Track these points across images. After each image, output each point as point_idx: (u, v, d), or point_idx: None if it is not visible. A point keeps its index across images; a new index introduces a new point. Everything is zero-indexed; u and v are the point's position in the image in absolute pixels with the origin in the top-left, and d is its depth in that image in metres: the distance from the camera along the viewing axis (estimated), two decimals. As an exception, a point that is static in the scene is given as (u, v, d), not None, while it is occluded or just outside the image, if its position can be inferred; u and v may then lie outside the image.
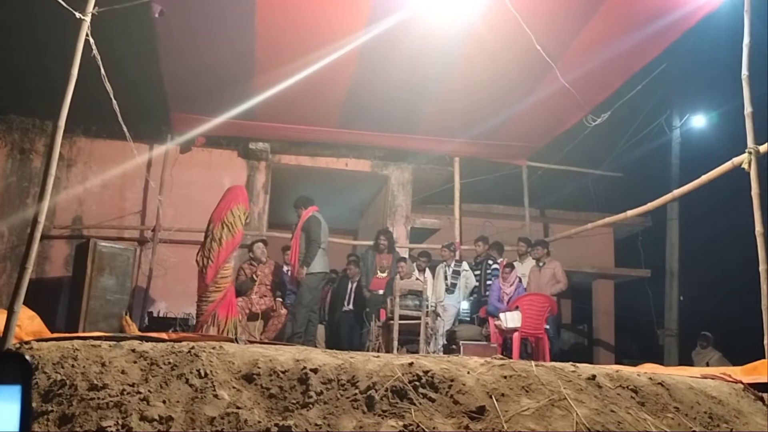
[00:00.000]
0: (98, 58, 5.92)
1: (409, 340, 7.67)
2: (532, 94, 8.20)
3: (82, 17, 4.91)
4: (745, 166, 5.21)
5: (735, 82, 5.52)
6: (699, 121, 13.47)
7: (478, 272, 9.39)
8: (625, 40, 6.92)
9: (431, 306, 8.18)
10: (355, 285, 9.06)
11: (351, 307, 8.93)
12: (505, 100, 8.38)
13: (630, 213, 8.25)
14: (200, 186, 10.05)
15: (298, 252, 7.63)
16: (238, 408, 3.26)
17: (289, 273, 9.11)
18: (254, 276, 7.92)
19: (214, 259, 6.62)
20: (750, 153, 5.18)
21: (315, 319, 7.96)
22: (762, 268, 4.83)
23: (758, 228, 4.95)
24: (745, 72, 5.37)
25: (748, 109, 5.27)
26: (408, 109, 8.84)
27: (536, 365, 3.95)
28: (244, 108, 8.55)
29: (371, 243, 9.73)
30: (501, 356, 4.97)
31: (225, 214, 6.77)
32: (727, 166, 5.63)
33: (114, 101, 7.08)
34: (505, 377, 3.73)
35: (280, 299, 8.20)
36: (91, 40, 5.29)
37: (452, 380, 3.61)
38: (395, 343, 7.25)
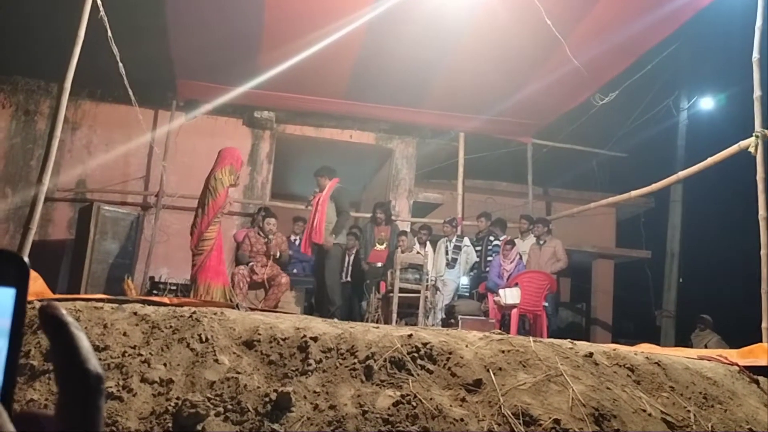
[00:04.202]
0: (105, 20, 5.90)
1: (409, 313, 7.72)
2: (541, 71, 8.16)
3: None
4: (751, 149, 5.19)
5: (746, 64, 5.48)
6: (707, 104, 13.40)
7: (479, 248, 9.42)
8: (636, 19, 6.86)
9: (431, 280, 8.22)
10: (352, 257, 9.08)
11: (348, 279, 8.96)
12: (513, 76, 8.34)
13: (634, 193, 8.25)
14: (204, 153, 9.97)
15: (324, 221, 7.55)
16: (238, 373, 3.30)
17: (297, 242, 9.15)
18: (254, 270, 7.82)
19: (198, 225, 6.58)
20: (757, 137, 5.16)
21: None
22: (763, 252, 4.84)
23: (761, 212, 4.95)
24: (756, 55, 5.34)
25: (757, 92, 5.24)
26: (415, 82, 8.79)
27: (534, 341, 3.98)
28: (250, 77, 8.51)
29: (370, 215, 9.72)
30: (499, 331, 5.00)
31: (210, 180, 6.71)
32: (733, 149, 5.61)
33: (120, 65, 7.06)
34: (503, 352, 3.76)
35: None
36: (99, 2, 5.26)
37: (450, 353, 3.64)
38: (394, 316, 7.29)
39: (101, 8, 5.51)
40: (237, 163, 6.86)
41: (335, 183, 7.77)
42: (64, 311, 0.51)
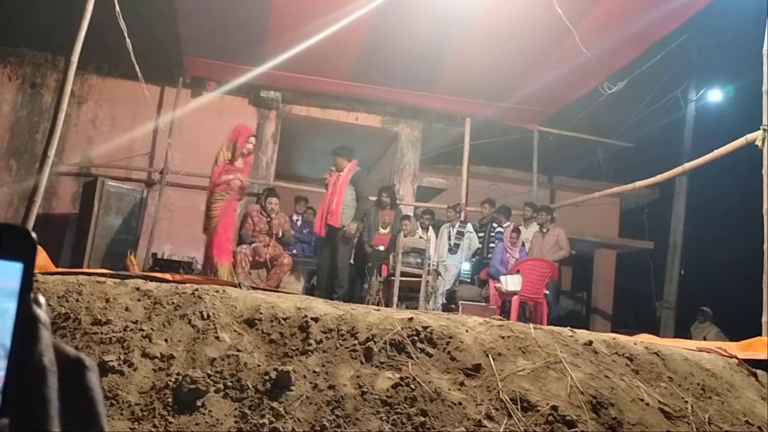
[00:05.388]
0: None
1: (409, 297, 7.74)
2: (550, 58, 8.12)
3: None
4: (758, 143, 5.17)
5: (756, 57, 5.45)
6: (715, 96, 13.31)
7: (482, 234, 9.42)
8: (647, 9, 6.82)
9: (433, 265, 8.23)
10: (355, 240, 9.07)
11: (351, 261, 8.96)
12: (521, 62, 8.30)
13: (638, 184, 8.22)
14: (209, 131, 10.02)
15: (342, 204, 7.45)
16: (239, 351, 3.31)
17: (299, 222, 9.16)
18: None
19: (205, 208, 6.58)
20: (764, 130, 5.14)
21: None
22: (766, 246, 4.83)
23: (766, 206, 4.93)
24: (766, 48, 5.30)
25: (765, 86, 5.21)
26: (423, 66, 8.76)
27: (534, 328, 3.99)
28: (258, 55, 8.48)
29: (374, 199, 9.73)
30: (500, 317, 5.02)
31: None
32: (740, 142, 5.59)
33: (128, 40, 7.03)
34: (503, 337, 3.77)
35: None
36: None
37: (450, 337, 3.66)
38: (395, 299, 7.31)
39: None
40: (240, 137, 6.63)
41: (354, 165, 7.68)
42: (42, 306, 0.51)
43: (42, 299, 0.52)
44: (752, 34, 5.69)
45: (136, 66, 7.95)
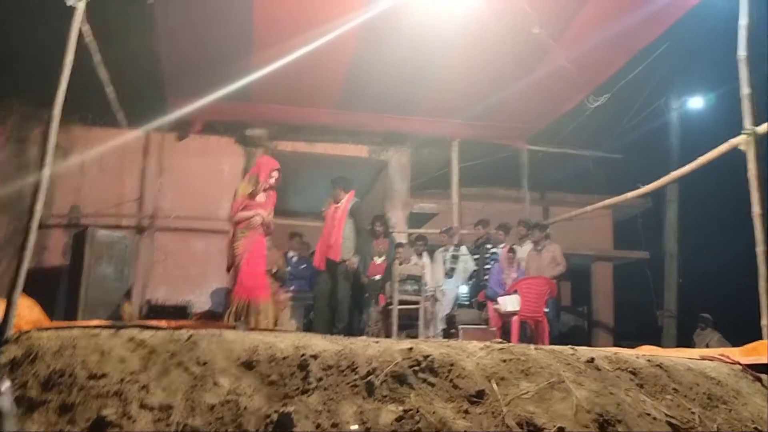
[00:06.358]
0: (92, 47, 5.90)
1: (409, 324, 7.69)
2: (533, 75, 8.14)
3: (74, 5, 4.84)
4: (742, 147, 5.20)
5: (737, 62, 5.48)
6: (700, 102, 13.40)
7: (477, 256, 9.38)
8: (626, 20, 6.87)
9: (430, 291, 8.20)
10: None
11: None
12: (505, 80, 8.32)
13: (629, 195, 8.25)
14: (197, 173, 10.02)
15: (341, 237, 7.28)
16: (238, 395, 3.27)
17: (294, 259, 9.10)
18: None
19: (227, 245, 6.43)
20: (747, 134, 5.17)
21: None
22: (759, 249, 4.84)
23: (755, 209, 4.95)
24: (741, 52, 5.35)
25: (745, 90, 5.26)
26: (407, 90, 8.76)
27: (535, 348, 3.96)
28: (241, 89, 8.47)
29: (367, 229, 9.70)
30: (500, 340, 4.98)
31: None
32: (724, 147, 5.62)
33: (110, 88, 7.04)
34: (504, 361, 3.74)
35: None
36: (84, 28, 5.25)
37: (452, 365, 3.62)
38: (395, 328, 7.26)
39: (87, 35, 5.51)
40: (262, 171, 6.58)
41: (352, 196, 7.55)
42: (4, 394, 0.51)
43: (5, 387, 0.50)
44: (730, 39, 5.73)
45: (120, 113, 7.96)
